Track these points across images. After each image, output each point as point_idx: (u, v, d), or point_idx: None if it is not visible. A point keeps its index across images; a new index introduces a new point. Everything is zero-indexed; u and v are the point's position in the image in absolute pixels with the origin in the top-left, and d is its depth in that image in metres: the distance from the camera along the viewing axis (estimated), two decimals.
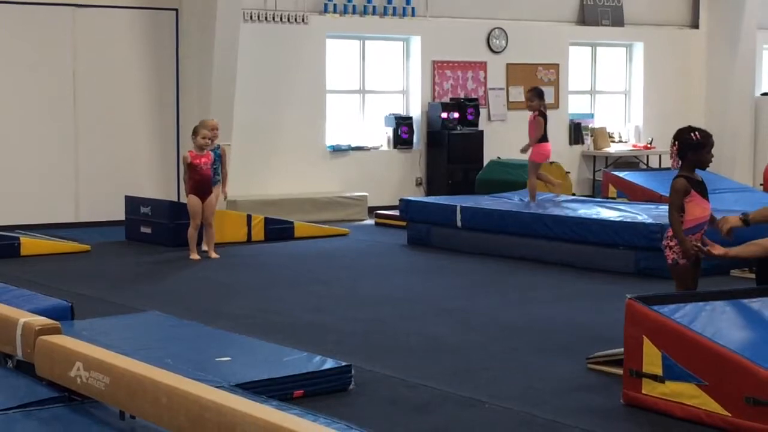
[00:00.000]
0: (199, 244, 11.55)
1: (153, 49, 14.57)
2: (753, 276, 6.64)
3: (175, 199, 13.89)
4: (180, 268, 11.06)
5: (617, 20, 18.02)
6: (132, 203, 13.06)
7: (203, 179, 11.40)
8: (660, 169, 17.07)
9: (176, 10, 14.57)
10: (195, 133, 11.43)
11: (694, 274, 6.60)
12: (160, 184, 14.43)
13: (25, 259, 11.36)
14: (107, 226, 13.78)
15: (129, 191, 13.43)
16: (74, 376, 5.10)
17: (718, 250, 6.37)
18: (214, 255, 11.50)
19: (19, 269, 10.60)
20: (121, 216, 13.25)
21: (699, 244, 6.38)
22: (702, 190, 6.55)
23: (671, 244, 6.55)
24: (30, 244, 11.68)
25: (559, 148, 17.05)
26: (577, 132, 17.83)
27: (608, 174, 15.79)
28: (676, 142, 6.55)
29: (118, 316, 7.84)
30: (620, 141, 18.31)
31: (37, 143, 13.90)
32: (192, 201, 11.41)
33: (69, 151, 14.12)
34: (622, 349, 5.98)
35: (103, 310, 8.23)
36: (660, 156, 17.94)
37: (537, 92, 12.37)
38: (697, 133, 6.54)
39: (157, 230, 12.55)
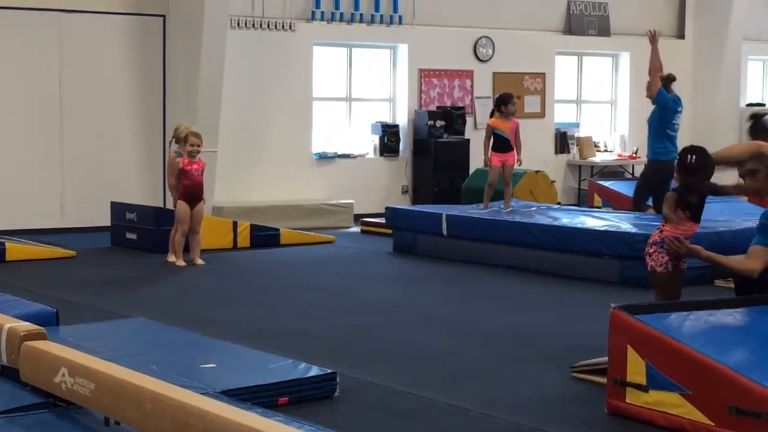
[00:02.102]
0: (186, 251, 11.55)
1: (140, 55, 14.56)
2: (729, 285, 6.68)
3: (161, 205, 13.88)
4: (166, 274, 11.05)
5: (603, 30, 18.08)
6: (118, 209, 13.05)
7: (194, 186, 11.40)
8: None
9: (164, 16, 14.57)
10: (184, 140, 11.41)
11: (676, 282, 6.62)
12: (146, 190, 14.42)
13: (10, 265, 11.33)
14: (93, 231, 13.77)
15: (115, 197, 13.42)
16: (59, 381, 5.09)
17: (697, 247, 6.40)
18: (199, 261, 11.49)
19: (5, 274, 10.57)
20: (106, 222, 13.24)
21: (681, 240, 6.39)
22: (694, 212, 6.57)
23: (650, 251, 6.59)
24: (15, 250, 11.65)
25: (545, 156, 17.11)
26: (562, 141, 17.88)
27: (593, 183, 15.87)
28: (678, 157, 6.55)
29: (103, 321, 7.83)
30: (606, 150, 18.38)
31: (23, 148, 13.87)
32: (181, 207, 11.40)
33: (55, 156, 14.10)
34: (606, 358, 5.99)
35: (88, 316, 8.22)
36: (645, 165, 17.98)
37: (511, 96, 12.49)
38: (694, 157, 6.46)
39: (142, 236, 12.54)
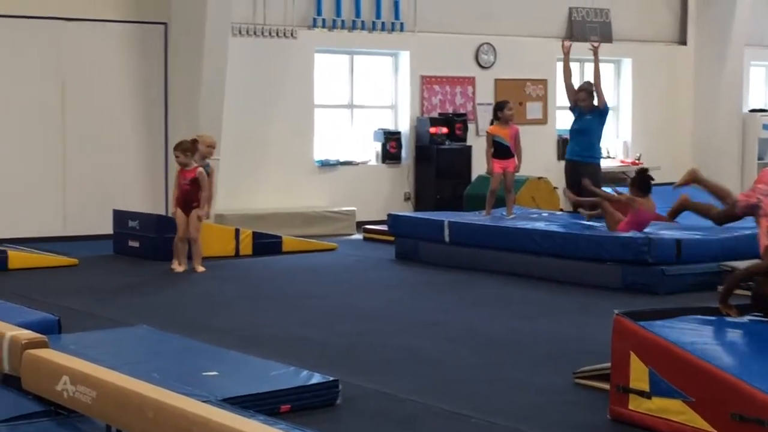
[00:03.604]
0: (190, 258, 11.59)
1: (142, 62, 14.57)
2: (744, 293, 6.68)
3: (163, 213, 13.87)
4: (168, 282, 11.05)
5: (606, 36, 18.07)
6: (120, 217, 13.05)
7: (182, 194, 11.52)
8: None
9: (165, 24, 14.58)
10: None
11: None
12: (148, 198, 14.42)
13: (12, 273, 11.32)
14: (95, 239, 13.75)
15: (117, 205, 13.42)
16: (61, 390, 5.09)
17: None
18: (200, 269, 11.49)
19: (7, 282, 10.57)
20: (109, 230, 13.23)
21: None
22: None
23: None
24: (17, 258, 11.65)
25: (546, 163, 17.10)
26: (565, 147, 17.82)
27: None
28: None
29: (105, 330, 7.83)
30: (608, 156, 18.35)
31: (25, 156, 13.88)
32: (176, 213, 11.58)
33: (57, 164, 14.10)
34: (609, 364, 5.98)
35: (90, 324, 8.21)
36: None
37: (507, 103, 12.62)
38: None
39: (144, 244, 12.54)
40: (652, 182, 10.92)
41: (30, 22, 13.80)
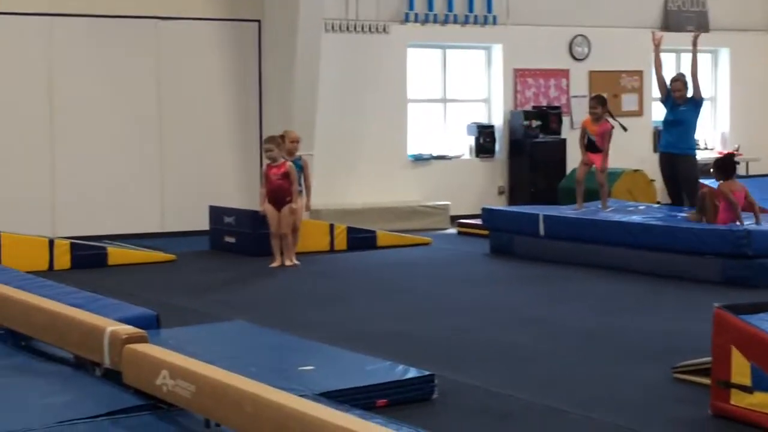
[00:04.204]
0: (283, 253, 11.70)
1: (236, 60, 14.72)
2: None
3: (258, 209, 13.98)
4: (264, 277, 11.14)
5: (702, 26, 17.76)
6: (216, 213, 13.19)
7: (274, 189, 11.60)
8: (748, 176, 16.79)
9: (258, 21, 14.70)
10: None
11: None
12: (243, 194, 14.54)
13: (112, 269, 11.52)
14: (192, 235, 13.93)
15: (213, 201, 13.56)
16: (160, 384, 5.15)
17: None
18: (289, 263, 11.56)
19: (107, 278, 10.75)
20: (205, 226, 13.39)
21: None
22: None
23: None
24: (117, 254, 11.84)
25: (643, 155, 16.88)
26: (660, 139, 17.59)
27: None
28: None
29: (203, 325, 7.91)
30: (706, 148, 18.06)
31: (123, 154, 14.10)
32: (266, 209, 11.64)
33: (154, 161, 14.30)
34: (709, 359, 5.88)
35: (188, 319, 8.31)
36: (747, 163, 17.64)
37: (600, 99, 12.39)
38: None
39: (240, 239, 12.65)
40: (737, 165, 10.96)
41: (125, 21, 14.02)
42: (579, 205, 12.40)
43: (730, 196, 10.52)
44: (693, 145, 12.64)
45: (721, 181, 10.67)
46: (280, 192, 11.60)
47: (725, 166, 10.76)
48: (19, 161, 13.56)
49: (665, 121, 12.64)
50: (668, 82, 12.49)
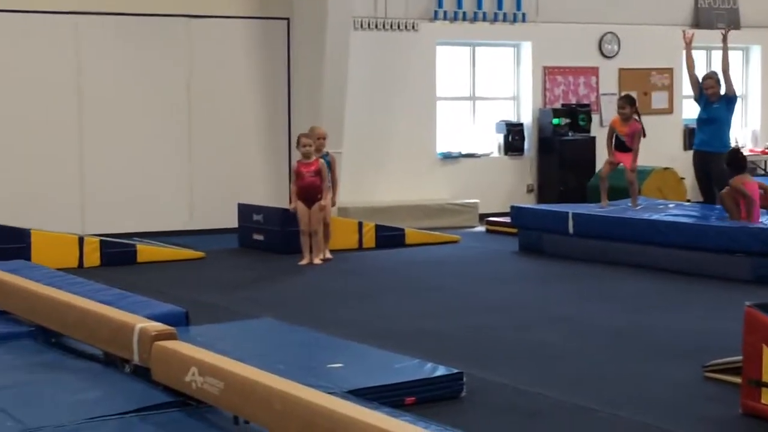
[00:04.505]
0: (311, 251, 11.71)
1: (265, 58, 14.74)
2: None
3: (287, 207, 14.01)
4: (292, 274, 11.16)
5: (733, 23, 17.64)
6: (245, 211, 13.22)
7: (305, 187, 11.58)
8: None
9: (287, 19, 14.72)
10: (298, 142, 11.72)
11: None
12: (272, 192, 14.57)
13: (141, 266, 11.57)
14: (220, 233, 13.97)
15: (242, 199, 13.60)
16: (189, 381, 5.17)
17: None
18: (316, 261, 11.57)
19: (136, 276, 10.80)
20: (234, 223, 13.43)
21: None
22: None
23: None
24: (146, 251, 11.89)
25: (673, 153, 16.80)
26: (691, 137, 17.45)
27: None
28: None
29: (232, 322, 7.93)
30: (737, 146, 17.93)
31: (152, 152, 14.15)
32: (297, 206, 11.64)
33: (183, 159, 14.35)
34: (740, 357, 5.85)
35: (216, 316, 8.33)
36: None
37: (629, 99, 12.33)
38: None
39: (269, 237, 12.68)
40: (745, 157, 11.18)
41: (156, 19, 14.07)
42: (604, 201, 12.36)
43: (742, 189, 10.61)
44: (727, 143, 12.54)
45: (734, 178, 10.76)
46: (311, 189, 11.62)
47: (736, 161, 10.87)
48: (48, 160, 13.63)
49: (699, 119, 12.57)
50: (701, 80, 12.43)
